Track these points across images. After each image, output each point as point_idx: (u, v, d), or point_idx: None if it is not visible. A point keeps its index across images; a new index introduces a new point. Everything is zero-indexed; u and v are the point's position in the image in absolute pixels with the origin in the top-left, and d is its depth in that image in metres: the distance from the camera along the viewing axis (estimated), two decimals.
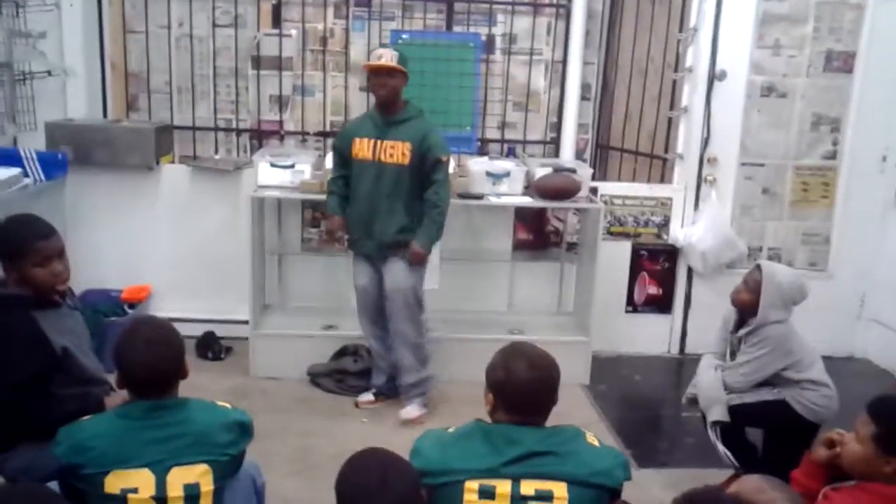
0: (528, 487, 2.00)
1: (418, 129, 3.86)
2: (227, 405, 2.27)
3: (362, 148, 3.89)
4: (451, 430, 2.17)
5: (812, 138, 4.84)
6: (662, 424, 4.24)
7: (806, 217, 4.94)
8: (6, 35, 4.19)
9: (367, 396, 4.14)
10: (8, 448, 2.44)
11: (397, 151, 3.84)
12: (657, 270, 4.94)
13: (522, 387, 2.09)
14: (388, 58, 3.81)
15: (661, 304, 4.97)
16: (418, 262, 3.90)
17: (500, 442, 2.05)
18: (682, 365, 4.84)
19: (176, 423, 2.10)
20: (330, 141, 4.68)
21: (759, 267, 3.33)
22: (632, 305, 4.97)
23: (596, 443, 2.15)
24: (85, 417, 2.17)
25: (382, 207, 3.88)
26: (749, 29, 4.66)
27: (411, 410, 3.98)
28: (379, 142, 3.86)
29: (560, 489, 2.00)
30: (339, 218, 4.04)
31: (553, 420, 2.17)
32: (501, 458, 2.02)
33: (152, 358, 2.11)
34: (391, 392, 4.13)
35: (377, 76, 3.83)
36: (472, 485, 2.00)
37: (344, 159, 4.00)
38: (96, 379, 2.62)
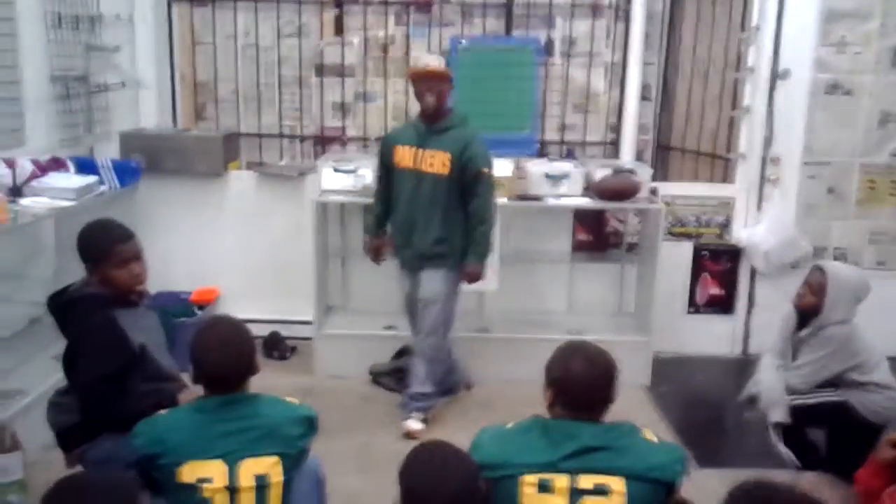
0: (585, 482, 2.03)
1: (460, 138, 3.75)
2: (295, 401, 2.35)
3: (403, 156, 3.83)
4: (510, 425, 2.22)
5: (879, 136, 4.74)
6: (724, 425, 4.21)
7: (873, 216, 4.85)
8: (84, 49, 4.37)
9: (415, 424, 3.90)
10: (89, 439, 2.57)
11: (437, 161, 3.75)
12: (719, 271, 4.90)
13: (580, 383, 2.13)
14: (434, 64, 3.75)
15: (724, 305, 4.94)
16: (474, 281, 3.86)
17: (558, 436, 2.09)
18: (745, 365, 4.75)
19: (247, 416, 2.20)
20: None
21: (820, 269, 3.30)
22: (694, 306, 4.94)
23: (653, 438, 2.17)
24: (161, 411, 2.28)
25: (420, 217, 3.81)
26: (813, 26, 4.60)
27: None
28: (420, 150, 3.79)
29: (618, 483, 2.03)
30: (377, 240, 4.07)
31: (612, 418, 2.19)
32: (559, 453, 2.06)
33: (225, 356, 2.22)
34: (448, 392, 4.15)
35: (424, 83, 3.73)
36: (530, 478, 2.05)
37: (387, 168, 3.95)
38: (170, 376, 2.74)
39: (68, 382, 2.64)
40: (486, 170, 3.76)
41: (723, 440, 4.02)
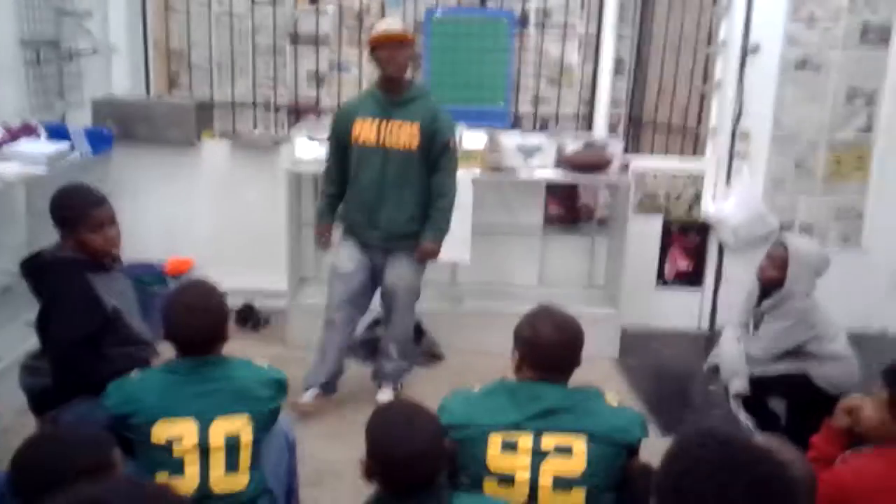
0: (548, 441, 2.09)
1: (427, 108, 3.61)
2: (264, 364, 2.39)
3: (364, 129, 3.60)
4: (476, 388, 2.27)
5: (847, 112, 4.81)
6: (690, 397, 4.30)
7: (839, 192, 4.93)
8: (55, 13, 4.32)
9: (308, 397, 3.78)
10: (62, 402, 2.59)
11: (404, 133, 3.57)
12: (688, 245, 4.97)
13: (547, 345, 2.19)
14: (399, 27, 3.57)
15: (692, 279, 5.01)
16: (430, 258, 3.75)
17: (523, 398, 2.15)
18: (712, 340, 4.82)
19: (218, 378, 2.24)
20: None
21: (782, 243, 3.37)
22: (663, 280, 5.02)
23: (615, 402, 2.23)
24: (133, 373, 2.30)
25: (391, 196, 3.62)
26: (783, 2, 4.64)
27: (382, 395, 3.81)
28: (384, 121, 3.58)
29: (579, 444, 2.09)
30: (327, 226, 3.84)
31: None
32: (524, 413, 2.11)
33: (197, 319, 2.25)
34: (331, 389, 3.88)
35: (387, 48, 3.51)
36: (495, 438, 2.10)
37: (342, 145, 3.69)
38: (142, 340, 2.76)
39: (41, 345, 2.65)
40: (452, 141, 3.67)
41: (687, 410, 4.10)
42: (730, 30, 4.72)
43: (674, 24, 5.12)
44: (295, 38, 5.11)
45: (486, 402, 2.18)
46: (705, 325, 5.05)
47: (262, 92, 5.20)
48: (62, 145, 3.89)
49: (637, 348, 4.68)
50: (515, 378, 2.25)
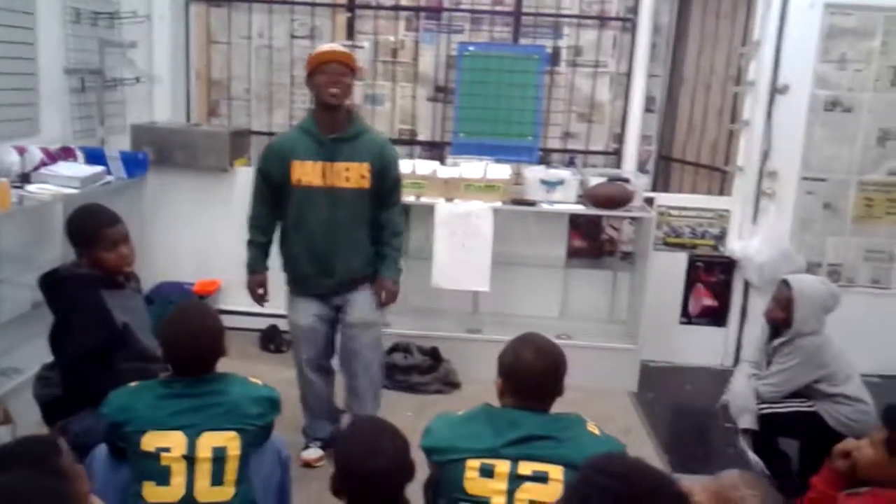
0: (525, 468, 2.10)
1: (373, 144, 3.30)
2: (259, 382, 2.46)
3: (306, 172, 3.23)
4: (460, 412, 2.30)
5: (878, 154, 4.76)
6: (704, 433, 4.23)
7: (870, 233, 4.85)
8: (99, 44, 4.54)
9: (314, 453, 3.47)
10: (71, 413, 2.70)
11: (354, 174, 3.23)
12: (713, 282, 4.94)
13: (528, 372, 2.20)
14: (340, 48, 3.28)
15: (717, 317, 4.97)
16: (393, 299, 3.47)
17: (502, 424, 2.17)
18: None
19: (211, 393, 2.31)
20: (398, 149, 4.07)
21: (786, 283, 3.36)
22: (687, 316, 4.99)
23: (596, 431, 2.24)
24: (132, 384, 2.39)
25: (343, 240, 3.30)
26: (813, 43, 4.63)
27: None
28: (329, 164, 3.22)
29: (556, 472, 2.10)
30: (260, 276, 3.46)
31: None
32: (502, 440, 2.13)
33: (193, 346, 2.33)
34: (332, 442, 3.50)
35: (329, 73, 3.15)
36: (473, 463, 2.12)
37: (274, 187, 3.31)
38: (152, 356, 2.86)
39: (53, 357, 2.78)
40: (400, 173, 3.44)
41: (700, 447, 4.06)
42: (759, 69, 4.72)
43: (705, 63, 5.14)
44: None
45: (467, 426, 2.21)
46: (729, 362, 4.98)
47: (297, 123, 5.33)
48: (97, 168, 4.05)
49: (657, 383, 4.66)
50: (500, 403, 2.28)
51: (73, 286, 2.72)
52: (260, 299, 3.50)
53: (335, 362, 3.63)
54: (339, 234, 3.30)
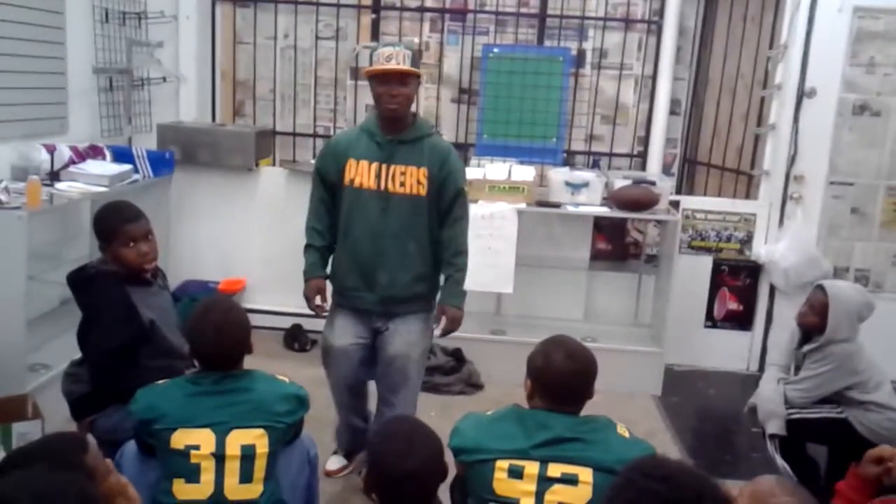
0: (554, 470, 2.10)
1: (436, 149, 3.06)
2: (286, 379, 2.46)
3: (361, 173, 3.02)
4: (489, 412, 2.30)
5: None
6: (730, 438, 4.21)
7: None
8: (127, 44, 4.58)
9: (338, 463, 3.42)
10: (99, 409, 2.73)
11: (410, 179, 3.01)
12: (738, 286, 4.91)
13: (559, 375, 2.20)
14: (399, 59, 2.90)
15: (742, 321, 4.94)
16: (456, 328, 3.14)
17: (531, 426, 2.17)
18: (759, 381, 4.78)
19: (238, 390, 2.32)
20: None
21: (822, 288, 3.32)
22: (711, 320, 4.95)
23: (626, 434, 2.23)
24: (160, 381, 2.41)
25: (391, 251, 3.04)
26: (842, 46, 4.60)
27: None
28: (385, 166, 3.01)
29: (585, 474, 2.10)
30: (317, 281, 3.18)
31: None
32: (531, 441, 2.13)
33: (220, 341, 2.34)
34: (358, 447, 3.38)
35: (387, 84, 2.92)
36: (502, 464, 2.12)
37: (330, 187, 3.13)
38: (180, 353, 2.87)
39: (81, 354, 2.80)
40: (465, 187, 3.14)
41: (724, 452, 4.02)
42: (786, 73, 4.68)
43: (731, 66, 5.11)
44: (356, 73, 5.26)
45: (496, 427, 2.21)
46: (754, 367, 4.96)
47: (322, 123, 5.36)
48: (125, 167, 4.09)
49: (681, 387, 4.64)
50: (528, 405, 2.27)
51: (101, 283, 2.73)
52: (318, 309, 3.19)
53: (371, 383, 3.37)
54: (385, 244, 3.05)
